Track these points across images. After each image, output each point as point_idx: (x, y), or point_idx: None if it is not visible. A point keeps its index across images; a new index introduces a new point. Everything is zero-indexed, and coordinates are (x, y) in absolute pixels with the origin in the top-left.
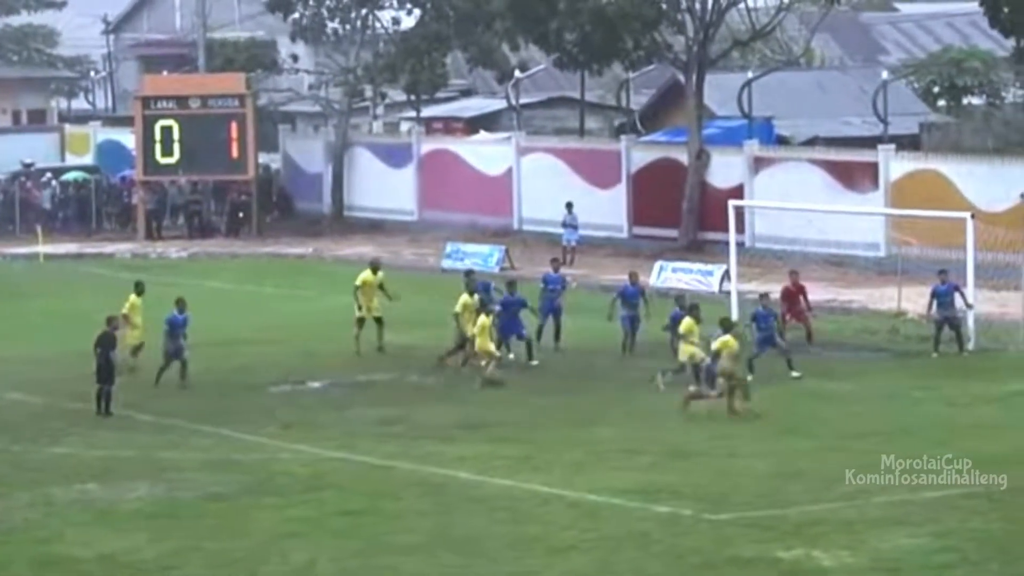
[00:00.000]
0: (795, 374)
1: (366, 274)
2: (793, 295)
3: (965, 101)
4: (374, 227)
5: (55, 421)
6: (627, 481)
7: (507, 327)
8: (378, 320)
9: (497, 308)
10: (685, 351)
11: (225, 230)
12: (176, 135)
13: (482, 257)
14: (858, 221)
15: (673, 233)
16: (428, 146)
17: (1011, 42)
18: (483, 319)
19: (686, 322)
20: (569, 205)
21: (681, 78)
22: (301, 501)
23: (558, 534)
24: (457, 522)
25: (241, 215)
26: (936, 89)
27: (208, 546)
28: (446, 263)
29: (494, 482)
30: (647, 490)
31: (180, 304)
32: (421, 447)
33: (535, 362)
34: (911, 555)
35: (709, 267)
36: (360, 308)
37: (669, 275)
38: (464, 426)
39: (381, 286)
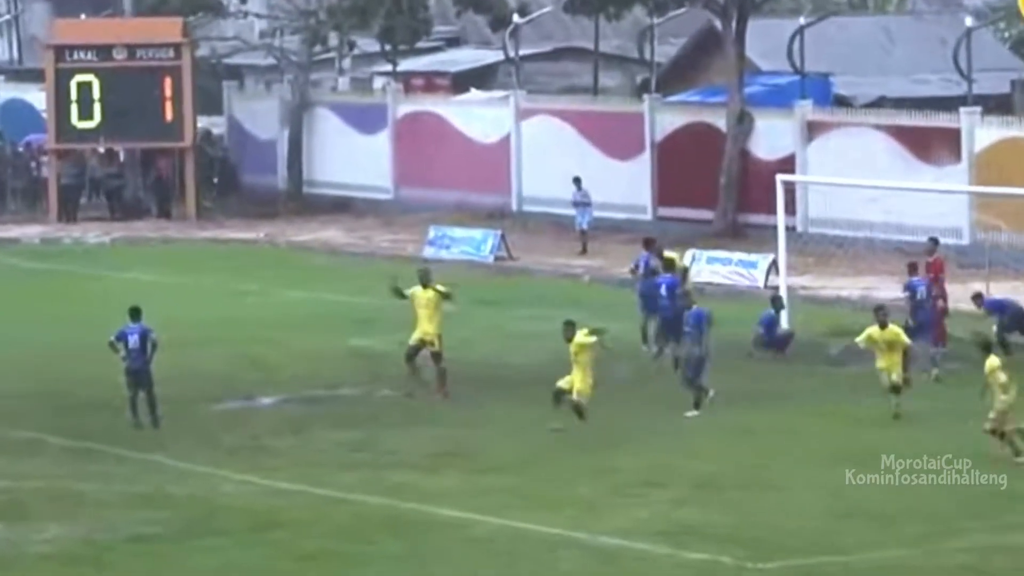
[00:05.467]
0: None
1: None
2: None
3: None
4: (340, 207)
5: None
6: (651, 521)
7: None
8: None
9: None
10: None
11: (156, 210)
12: (96, 93)
13: (473, 244)
14: (935, 201)
15: (708, 215)
16: (406, 107)
17: None
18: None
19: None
20: (577, 180)
21: (718, 24)
22: (248, 543)
23: None
24: (440, 571)
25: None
26: None
27: None
28: (429, 251)
29: (485, 521)
30: (675, 532)
31: (134, 313)
32: (394, 477)
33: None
34: None
35: (752, 257)
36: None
37: (703, 266)
38: (446, 452)
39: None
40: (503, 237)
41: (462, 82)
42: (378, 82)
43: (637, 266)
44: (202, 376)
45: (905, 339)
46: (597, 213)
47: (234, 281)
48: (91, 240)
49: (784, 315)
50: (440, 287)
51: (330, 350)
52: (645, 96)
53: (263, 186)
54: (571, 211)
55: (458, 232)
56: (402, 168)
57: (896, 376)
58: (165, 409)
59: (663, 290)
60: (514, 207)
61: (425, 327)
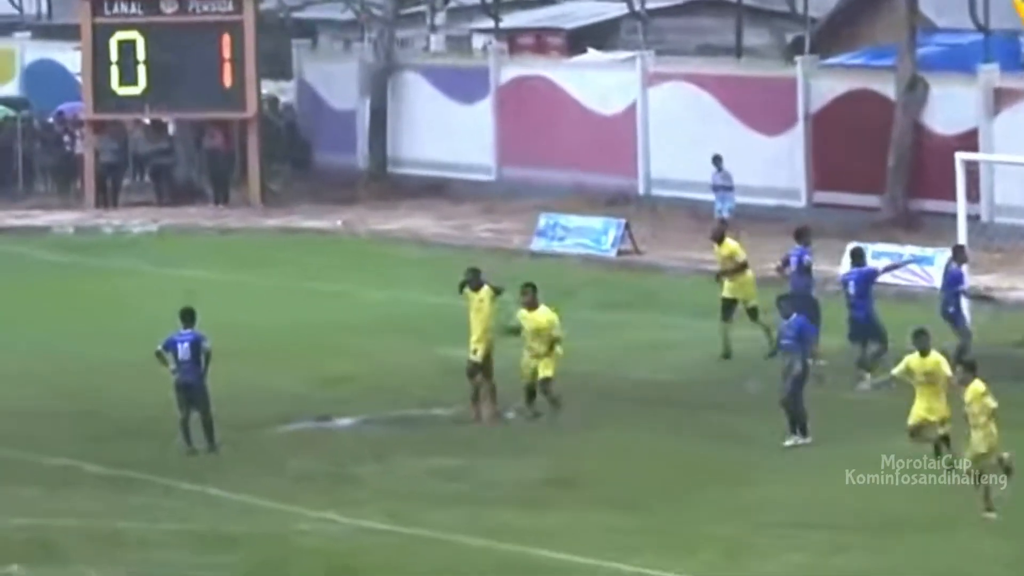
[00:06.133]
0: None
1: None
2: None
3: None
4: (432, 190)
5: None
6: (805, 567)
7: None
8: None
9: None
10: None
11: (212, 194)
12: (141, 54)
13: (592, 235)
14: None
15: (874, 201)
16: (512, 71)
17: None
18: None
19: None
20: (717, 160)
21: None
22: None
23: None
24: None
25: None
26: None
27: None
28: (539, 244)
29: (603, 566)
30: None
31: (187, 316)
32: (495, 514)
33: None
34: None
35: (928, 251)
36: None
37: (869, 262)
38: (556, 483)
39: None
40: (627, 227)
41: (578, 41)
42: (478, 41)
43: (787, 262)
44: (267, 393)
45: (946, 370)
46: (740, 198)
47: (305, 279)
48: (135, 229)
49: (966, 304)
50: (487, 292)
51: (419, 362)
52: (798, 58)
53: (340, 165)
54: (709, 196)
55: (574, 221)
56: (506, 144)
57: (943, 428)
58: (224, 432)
59: (851, 287)
60: (640, 191)
61: (474, 336)
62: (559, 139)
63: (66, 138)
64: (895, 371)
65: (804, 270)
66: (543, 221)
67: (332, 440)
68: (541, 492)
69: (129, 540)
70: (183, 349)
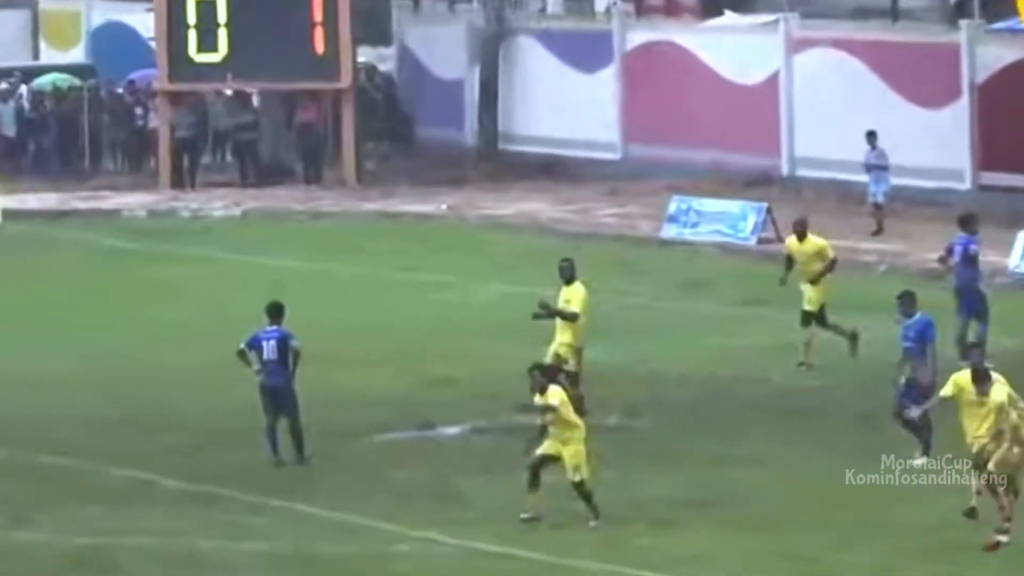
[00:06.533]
0: None
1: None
2: None
3: None
4: (549, 170)
5: (20, 487)
6: None
7: None
8: (569, 374)
9: None
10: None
11: (303, 173)
12: (222, 16)
13: (729, 221)
14: None
15: None
16: (639, 36)
17: None
18: None
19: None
20: (871, 136)
21: None
22: None
23: None
24: None
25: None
26: None
27: None
28: (670, 230)
29: None
30: None
31: (273, 311)
32: (621, 536)
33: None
34: None
35: None
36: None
37: None
38: (693, 502)
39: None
40: (769, 212)
41: (714, 2)
42: (601, 2)
43: (951, 252)
44: (363, 397)
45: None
46: (897, 180)
47: (405, 270)
48: (215, 213)
49: None
50: (578, 289)
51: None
52: (962, 23)
53: (445, 141)
54: (862, 177)
55: (709, 205)
56: (633, 118)
57: (994, 461)
58: (314, 441)
59: None
60: (784, 171)
61: (559, 337)
62: (692, 113)
63: (138, 111)
64: (943, 392)
65: (970, 261)
66: (674, 205)
67: (436, 451)
68: (672, 512)
69: (209, 562)
70: (269, 348)
